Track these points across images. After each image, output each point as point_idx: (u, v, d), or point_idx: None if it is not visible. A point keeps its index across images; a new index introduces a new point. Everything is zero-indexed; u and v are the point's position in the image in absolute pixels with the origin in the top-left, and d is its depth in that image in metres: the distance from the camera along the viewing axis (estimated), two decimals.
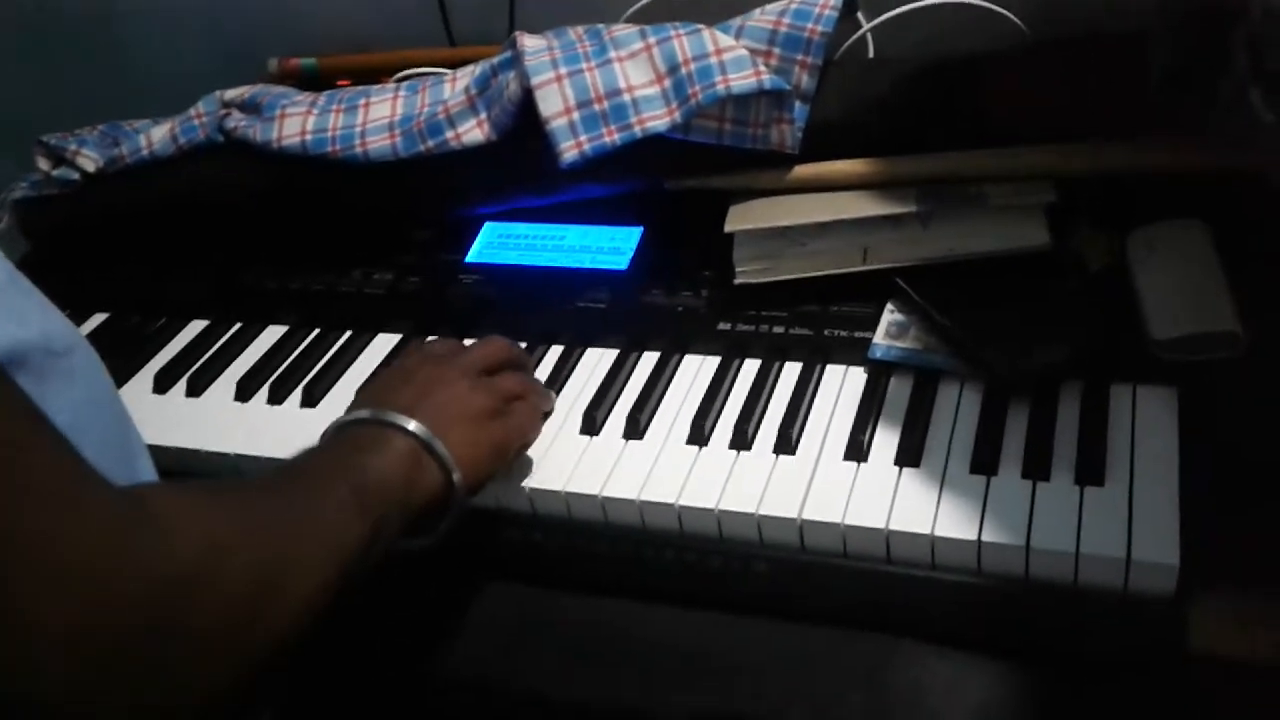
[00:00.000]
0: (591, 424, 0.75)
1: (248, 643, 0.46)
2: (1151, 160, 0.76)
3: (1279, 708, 0.58)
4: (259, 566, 0.48)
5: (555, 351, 0.83)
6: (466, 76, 0.89)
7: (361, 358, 0.86)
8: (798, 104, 0.81)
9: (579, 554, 0.72)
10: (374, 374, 0.83)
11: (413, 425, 0.62)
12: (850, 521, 0.66)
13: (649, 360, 0.80)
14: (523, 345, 0.84)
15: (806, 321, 0.79)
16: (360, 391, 0.68)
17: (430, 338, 0.83)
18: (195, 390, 0.86)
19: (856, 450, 0.70)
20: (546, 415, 0.76)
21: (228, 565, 0.46)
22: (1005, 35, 0.89)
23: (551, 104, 0.80)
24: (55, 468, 0.43)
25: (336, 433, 0.64)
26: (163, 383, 0.87)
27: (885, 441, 0.70)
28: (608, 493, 0.70)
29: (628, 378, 0.79)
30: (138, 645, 0.42)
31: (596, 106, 0.80)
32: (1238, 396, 0.68)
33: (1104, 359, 0.71)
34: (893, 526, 0.65)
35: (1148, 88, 0.72)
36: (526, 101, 0.81)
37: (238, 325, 0.92)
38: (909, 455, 0.69)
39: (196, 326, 0.93)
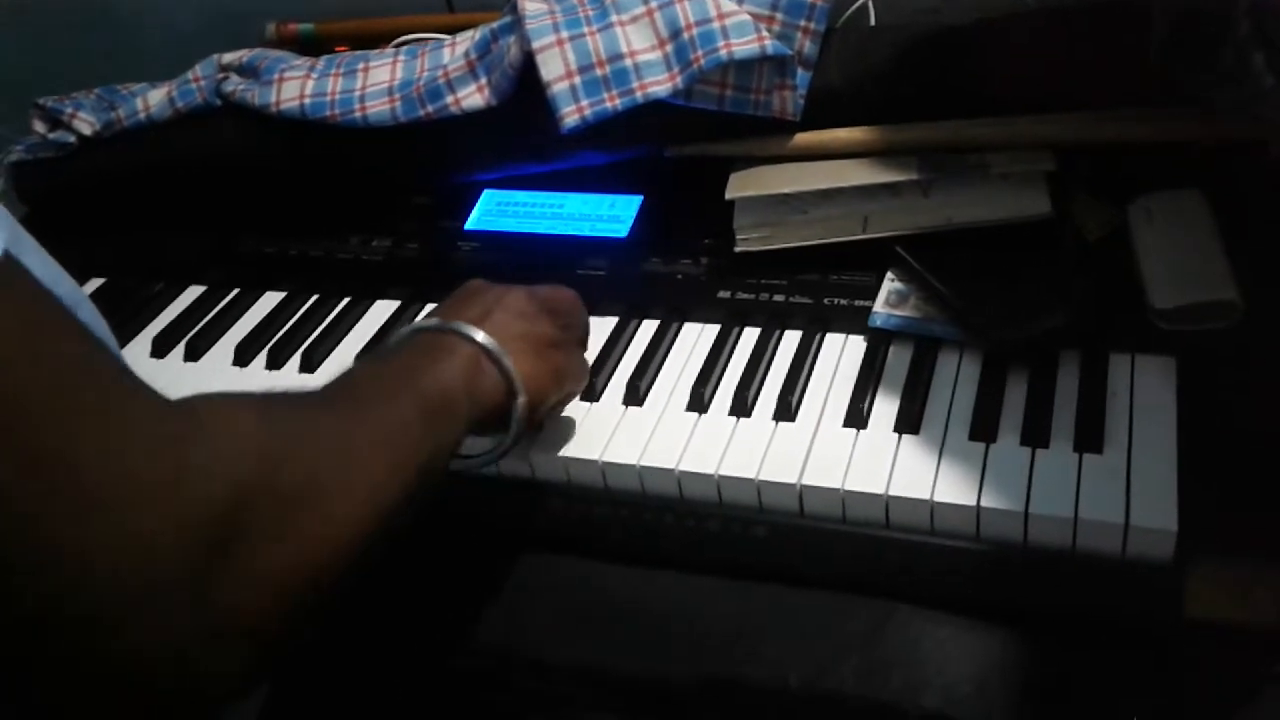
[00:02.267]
0: (591, 391, 0.75)
1: (307, 554, 0.46)
2: (1152, 129, 0.76)
3: (1275, 670, 0.58)
4: (317, 475, 0.47)
5: None
6: (466, 41, 0.88)
7: (360, 324, 0.86)
8: (800, 70, 0.81)
9: (578, 519, 0.72)
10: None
11: (480, 336, 0.62)
12: (850, 487, 0.66)
13: (649, 328, 0.80)
14: None
15: (806, 290, 0.79)
16: (432, 309, 0.68)
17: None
18: (194, 355, 0.86)
19: (856, 417, 0.70)
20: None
21: (284, 475, 0.45)
22: (1007, 3, 0.88)
23: (553, 68, 0.79)
24: (102, 382, 0.42)
25: (404, 339, 0.64)
26: (161, 347, 0.87)
27: (885, 408, 0.70)
28: (607, 458, 0.70)
29: (627, 345, 0.79)
30: (194, 561, 0.41)
31: (598, 71, 0.79)
32: (1236, 365, 0.68)
33: (1103, 327, 0.71)
34: (892, 492, 0.65)
35: (1149, 55, 0.72)
36: (527, 66, 0.81)
37: (236, 290, 0.92)
38: (908, 422, 0.69)
39: (194, 291, 0.93)
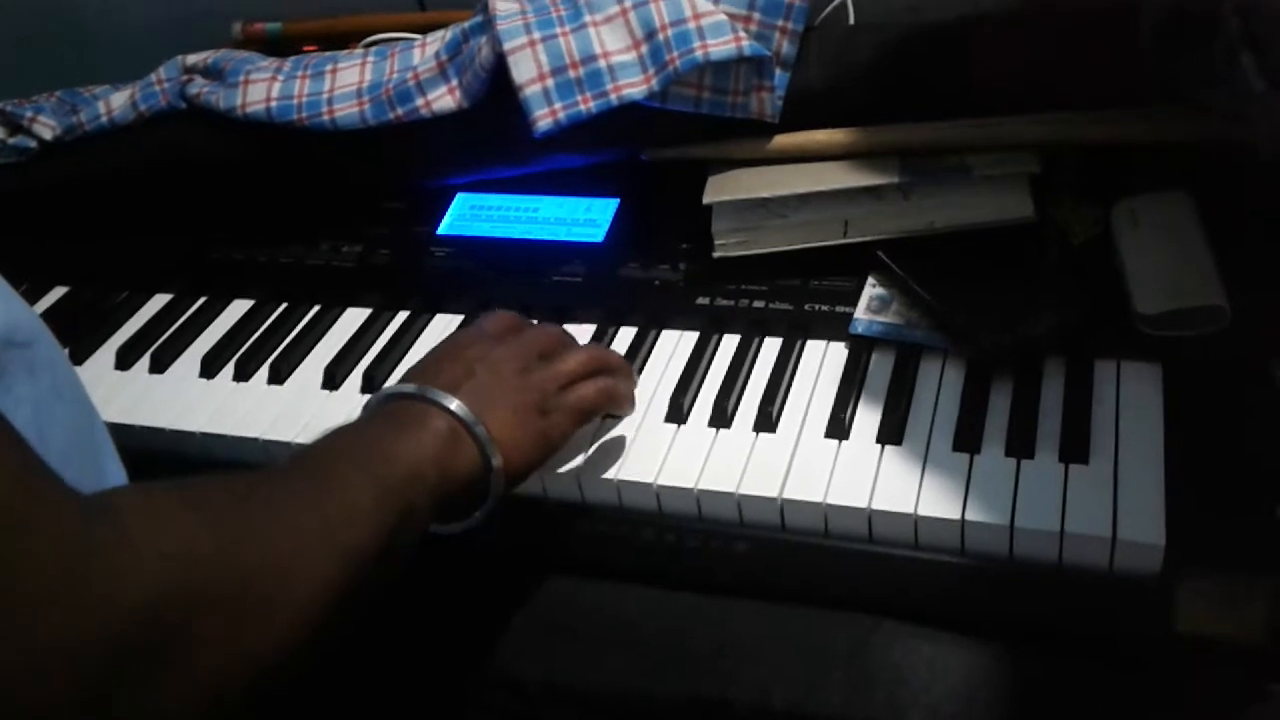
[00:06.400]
0: None
1: (238, 661, 0.43)
2: (1138, 131, 0.74)
3: (1265, 688, 0.57)
4: (246, 576, 0.44)
5: None
6: (437, 42, 0.86)
7: (330, 333, 0.84)
8: (778, 71, 0.79)
9: (556, 534, 0.71)
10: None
11: (454, 404, 0.59)
12: (832, 501, 0.64)
13: (626, 335, 0.79)
14: None
15: (786, 296, 0.77)
16: (410, 369, 0.65)
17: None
18: (159, 366, 0.83)
19: (838, 428, 0.69)
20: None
21: (208, 577, 0.42)
22: (989, 0, 0.87)
23: (525, 70, 0.77)
24: (7, 483, 0.39)
25: (378, 405, 0.61)
26: (125, 359, 0.84)
27: (867, 419, 0.69)
28: (585, 472, 0.69)
29: None
30: (108, 676, 0.39)
31: (571, 73, 0.77)
32: (1224, 372, 0.67)
33: (1087, 334, 0.70)
34: (875, 506, 0.64)
35: (1136, 55, 0.71)
36: (499, 67, 0.79)
37: (202, 299, 0.89)
38: (891, 433, 0.67)
39: (160, 300, 0.90)
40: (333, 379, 0.79)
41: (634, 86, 0.77)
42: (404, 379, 0.63)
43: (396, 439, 0.57)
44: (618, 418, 0.72)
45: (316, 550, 0.48)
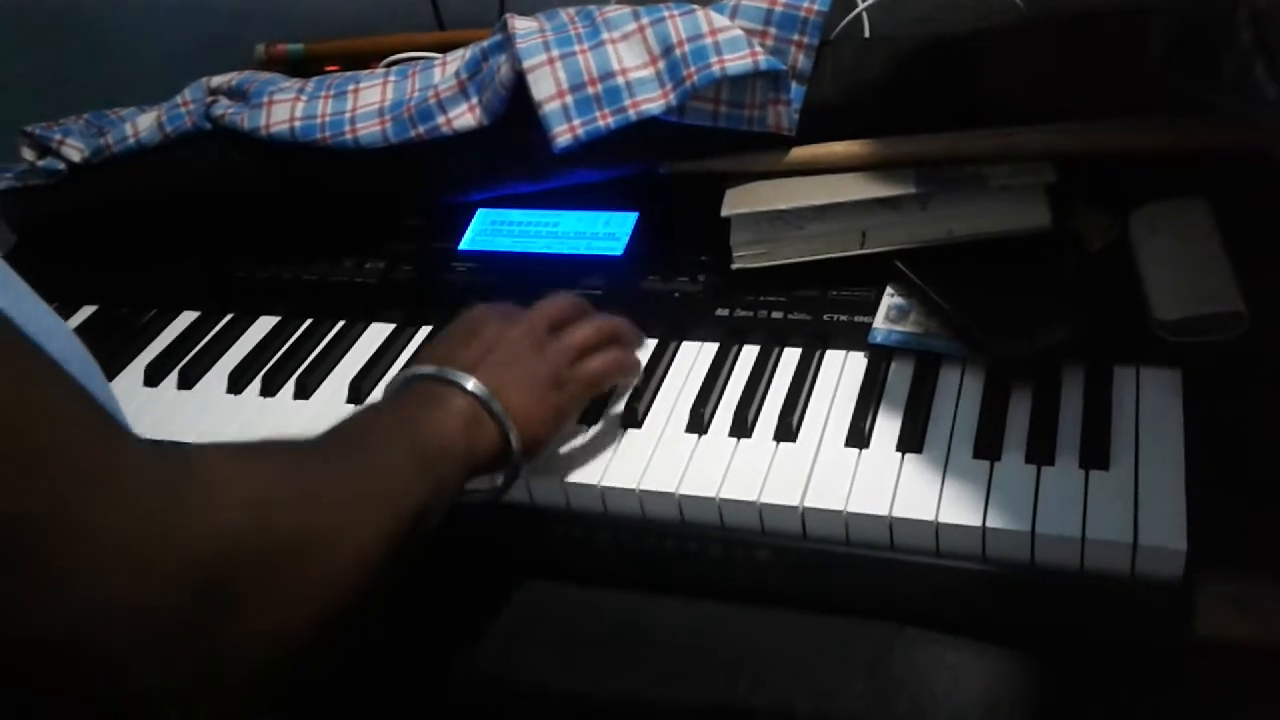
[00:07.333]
0: (590, 413, 0.74)
1: (303, 604, 0.45)
2: (1153, 139, 0.75)
3: None
4: (311, 525, 0.47)
5: None
6: (457, 60, 0.87)
7: (354, 348, 0.85)
8: (794, 85, 0.80)
9: (578, 544, 0.71)
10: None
11: (471, 384, 0.62)
12: (853, 509, 0.65)
13: (646, 347, 0.79)
14: None
15: (805, 306, 0.78)
16: (425, 346, 0.67)
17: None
18: (187, 383, 0.85)
19: (858, 436, 0.69)
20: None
21: (277, 525, 0.45)
22: (1002, 11, 0.87)
23: (544, 87, 0.78)
24: (90, 435, 0.41)
25: (400, 386, 0.64)
26: (154, 376, 0.86)
27: (887, 427, 0.69)
28: (607, 482, 0.69)
29: None
30: (188, 613, 0.41)
31: (590, 89, 0.78)
32: (1242, 377, 0.67)
33: (1106, 341, 0.70)
34: (896, 513, 0.64)
35: (1149, 64, 0.71)
36: (518, 85, 0.80)
37: (229, 316, 0.91)
38: (911, 441, 0.68)
39: (187, 318, 0.92)
40: (358, 393, 0.80)
41: (652, 102, 0.78)
42: (420, 359, 0.66)
43: (425, 415, 0.60)
44: (636, 419, 0.73)
45: (365, 505, 0.51)
